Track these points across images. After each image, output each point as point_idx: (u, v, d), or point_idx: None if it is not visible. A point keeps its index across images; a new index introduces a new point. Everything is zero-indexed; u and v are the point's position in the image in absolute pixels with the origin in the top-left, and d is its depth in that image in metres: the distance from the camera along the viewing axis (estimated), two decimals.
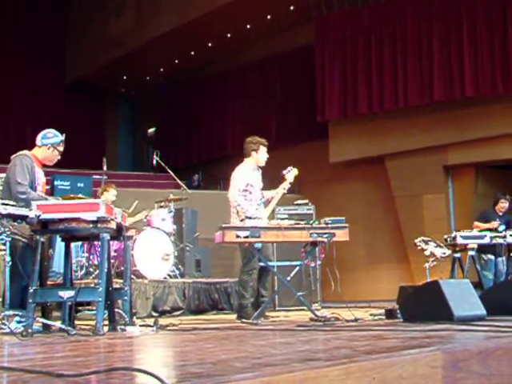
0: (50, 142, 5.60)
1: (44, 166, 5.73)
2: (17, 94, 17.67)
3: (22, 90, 17.80)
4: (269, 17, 14.26)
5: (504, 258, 8.73)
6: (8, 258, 4.60)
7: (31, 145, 5.77)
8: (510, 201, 9.12)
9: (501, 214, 9.09)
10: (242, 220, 6.57)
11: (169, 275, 8.98)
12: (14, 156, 5.53)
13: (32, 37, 17.70)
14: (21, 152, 5.54)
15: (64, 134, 5.65)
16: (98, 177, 10.77)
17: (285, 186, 7.05)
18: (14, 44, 17.33)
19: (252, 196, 6.93)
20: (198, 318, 7.97)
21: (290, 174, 7.08)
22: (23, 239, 5.14)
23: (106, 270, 4.95)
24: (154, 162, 10.57)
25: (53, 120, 14.89)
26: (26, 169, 5.39)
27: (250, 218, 6.44)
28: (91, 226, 4.84)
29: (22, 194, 5.24)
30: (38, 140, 5.62)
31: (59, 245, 6.09)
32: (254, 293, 7.02)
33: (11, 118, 17.71)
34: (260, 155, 7.07)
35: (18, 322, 4.78)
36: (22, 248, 5.12)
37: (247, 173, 6.99)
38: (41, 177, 5.61)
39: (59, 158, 5.69)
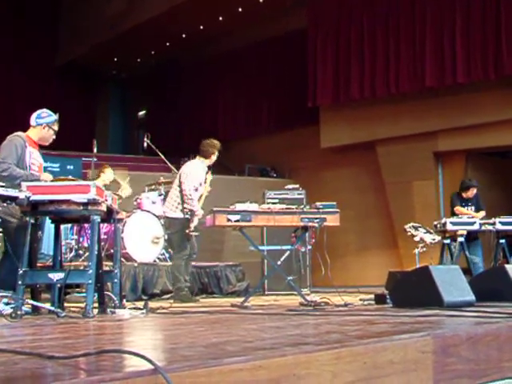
0: (44, 122, 5.56)
1: (40, 147, 5.69)
2: (8, 75, 17.51)
3: (13, 71, 17.64)
4: (261, 0, 14.17)
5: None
6: None
7: (22, 126, 5.71)
8: (477, 187, 9.16)
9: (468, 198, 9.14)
10: (186, 212, 7.45)
11: (158, 258, 8.98)
12: (8, 137, 5.50)
13: (24, 18, 17.51)
14: (15, 133, 5.50)
15: (57, 114, 5.61)
16: (87, 159, 10.70)
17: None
18: (5, 25, 17.14)
19: (197, 193, 7.70)
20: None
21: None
22: (15, 220, 5.11)
23: (96, 253, 4.93)
24: (145, 144, 10.51)
25: (43, 101, 14.63)
26: (14, 148, 5.33)
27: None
28: (82, 208, 4.81)
29: (4, 171, 5.19)
30: (33, 120, 5.57)
31: (48, 227, 6.04)
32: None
33: (1, 99, 17.54)
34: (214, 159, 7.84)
35: (6, 304, 4.76)
36: (14, 229, 5.08)
37: (201, 172, 7.76)
38: (36, 157, 5.56)
39: (54, 137, 5.65)
